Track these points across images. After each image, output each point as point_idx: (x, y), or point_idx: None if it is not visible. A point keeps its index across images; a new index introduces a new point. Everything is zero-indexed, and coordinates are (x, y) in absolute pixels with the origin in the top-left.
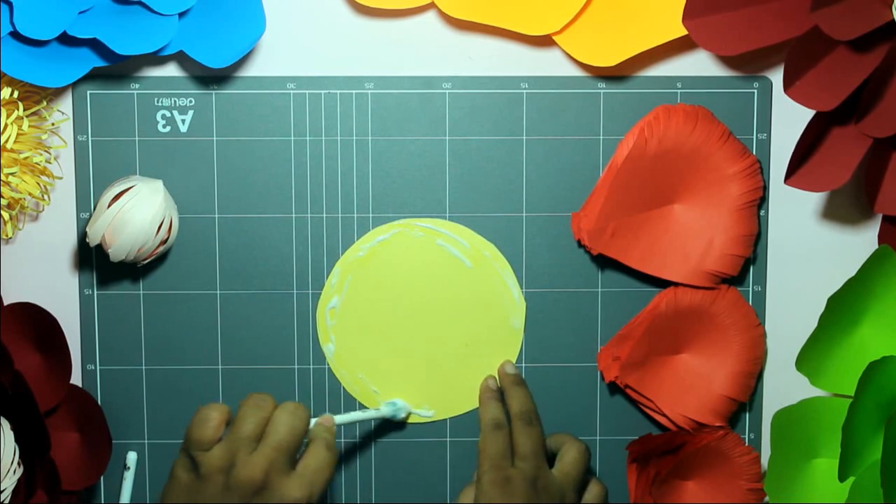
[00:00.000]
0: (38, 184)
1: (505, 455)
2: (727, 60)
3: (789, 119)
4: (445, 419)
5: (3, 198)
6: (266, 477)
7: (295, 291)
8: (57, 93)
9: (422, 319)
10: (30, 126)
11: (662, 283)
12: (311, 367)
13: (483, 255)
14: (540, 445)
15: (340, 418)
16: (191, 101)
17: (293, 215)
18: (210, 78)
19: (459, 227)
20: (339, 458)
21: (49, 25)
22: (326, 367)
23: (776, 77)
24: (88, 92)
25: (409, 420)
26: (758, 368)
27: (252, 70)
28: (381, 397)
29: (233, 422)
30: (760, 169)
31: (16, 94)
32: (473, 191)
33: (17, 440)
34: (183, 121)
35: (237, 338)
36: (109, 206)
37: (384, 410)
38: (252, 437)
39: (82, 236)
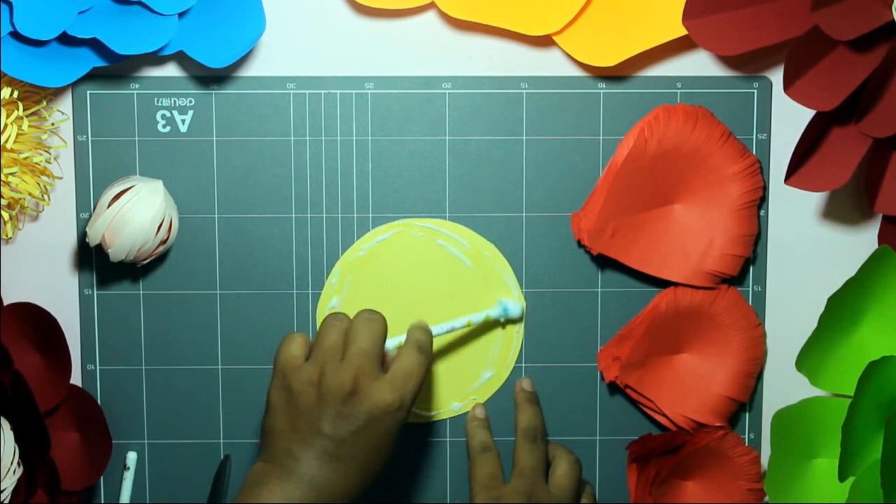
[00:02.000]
0: (38, 184)
1: (494, 476)
2: (727, 60)
3: (789, 119)
4: (445, 419)
5: (3, 198)
6: (355, 382)
7: (295, 291)
8: (57, 93)
9: (422, 319)
10: (30, 126)
11: (662, 283)
12: None
13: (483, 255)
14: (540, 463)
15: (436, 328)
16: (191, 101)
17: (293, 215)
18: (210, 78)
19: (459, 227)
20: (371, 486)
21: (49, 25)
22: None
23: (776, 77)
24: (88, 92)
25: (410, 420)
26: (758, 368)
27: (252, 70)
28: None
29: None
30: (760, 169)
31: (16, 94)
32: (473, 191)
33: (17, 440)
34: (183, 121)
35: (237, 338)
36: (109, 206)
37: (493, 312)
38: (336, 347)
39: (82, 236)
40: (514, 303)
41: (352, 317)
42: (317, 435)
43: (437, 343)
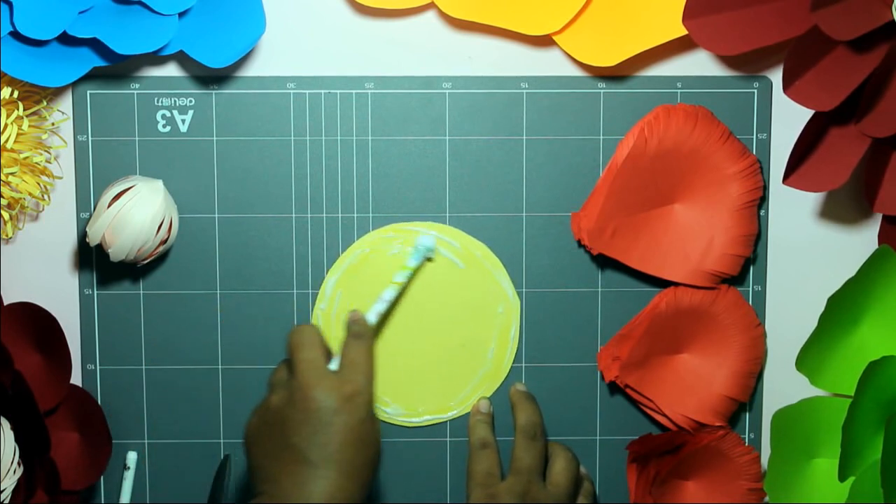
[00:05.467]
0: (38, 184)
1: (490, 473)
2: (727, 60)
3: (789, 119)
4: (445, 420)
5: (3, 198)
6: (306, 386)
7: (295, 291)
8: (57, 93)
9: (416, 322)
10: (30, 126)
11: (662, 283)
12: None
13: (474, 256)
14: (538, 461)
15: (371, 313)
16: (191, 101)
17: (293, 215)
18: (210, 78)
19: (449, 228)
20: (369, 488)
21: (49, 25)
22: None
23: (776, 77)
24: (88, 92)
25: (408, 424)
26: (758, 368)
27: (252, 70)
28: (376, 398)
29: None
30: (760, 169)
31: (16, 94)
32: (473, 191)
33: (17, 440)
34: (183, 121)
35: (237, 338)
36: (109, 206)
37: (412, 262)
38: (283, 376)
39: (82, 236)
40: (425, 236)
41: None
42: (288, 449)
43: (436, 343)
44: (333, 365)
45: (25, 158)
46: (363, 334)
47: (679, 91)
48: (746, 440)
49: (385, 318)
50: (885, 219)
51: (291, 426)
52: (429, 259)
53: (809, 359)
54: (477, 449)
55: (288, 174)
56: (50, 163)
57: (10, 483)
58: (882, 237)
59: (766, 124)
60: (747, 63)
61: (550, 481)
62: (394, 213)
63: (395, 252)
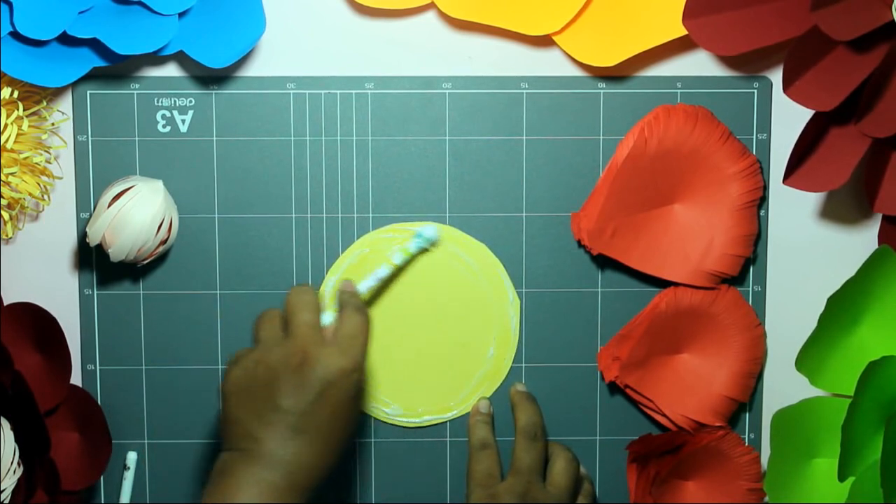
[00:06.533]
0: (38, 184)
1: (490, 474)
2: (727, 60)
3: (789, 119)
4: (445, 420)
5: (3, 198)
6: (304, 352)
7: None
8: (57, 93)
9: (416, 322)
10: (30, 126)
11: (662, 283)
12: None
13: (474, 256)
14: (538, 461)
15: (362, 286)
16: (191, 101)
17: (293, 215)
18: (210, 78)
19: (449, 228)
20: (341, 458)
21: (49, 25)
22: None
23: (776, 77)
24: (88, 92)
25: (408, 424)
26: (758, 368)
27: (252, 70)
28: (376, 398)
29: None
30: (760, 169)
31: (16, 94)
32: (473, 191)
33: (17, 440)
34: (183, 121)
35: (237, 338)
36: (109, 206)
37: (411, 246)
38: (277, 331)
39: (82, 236)
40: (429, 226)
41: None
42: (276, 411)
43: (436, 343)
44: (327, 319)
45: (25, 158)
46: (363, 308)
47: (679, 91)
48: (746, 440)
49: (383, 317)
50: (885, 219)
51: (284, 389)
52: (428, 249)
53: (809, 359)
54: (477, 449)
55: (288, 174)
56: (50, 163)
57: (10, 483)
58: (882, 237)
59: (766, 124)
60: (747, 63)
61: (550, 482)
62: (394, 213)
63: (396, 251)
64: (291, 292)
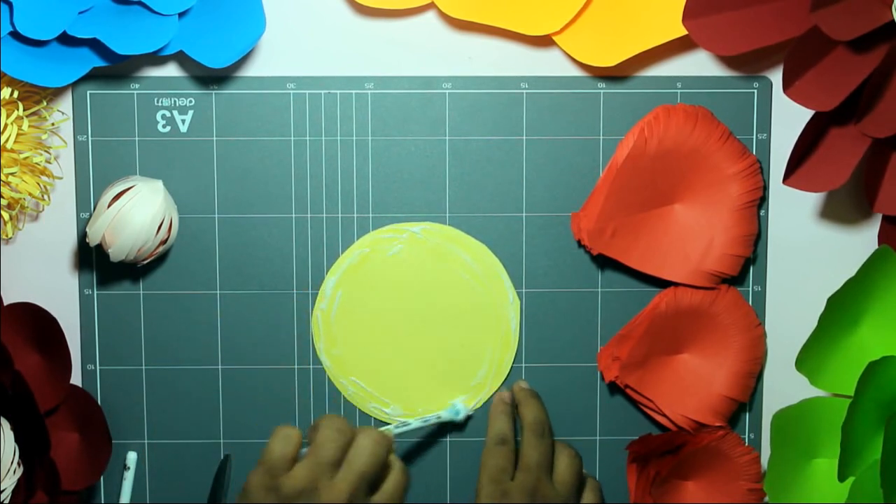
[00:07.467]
0: (38, 184)
1: (504, 470)
2: (727, 60)
3: (789, 119)
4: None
5: (3, 198)
6: (349, 502)
7: (294, 291)
8: (57, 93)
9: (416, 322)
10: (30, 126)
11: (662, 283)
12: (311, 367)
13: (474, 256)
14: (546, 459)
15: (398, 429)
16: (191, 101)
17: (293, 215)
18: (210, 78)
19: (449, 228)
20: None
21: (49, 25)
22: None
23: (776, 77)
24: (88, 92)
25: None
26: (758, 368)
27: (252, 70)
28: (376, 399)
29: (311, 444)
30: (760, 169)
31: (16, 94)
32: (473, 191)
33: (17, 440)
34: (183, 121)
35: (237, 338)
36: (109, 206)
37: (444, 415)
38: (334, 462)
39: (82, 236)
40: (465, 406)
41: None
42: None
43: (436, 343)
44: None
45: (25, 158)
46: (406, 471)
47: (679, 91)
48: (746, 440)
49: (382, 317)
50: (885, 219)
51: None
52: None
53: (809, 359)
54: (495, 443)
55: (288, 174)
56: (50, 163)
57: (10, 483)
58: (882, 237)
59: (766, 124)
60: (747, 63)
61: (556, 479)
62: (394, 213)
63: (395, 252)
64: (367, 433)
